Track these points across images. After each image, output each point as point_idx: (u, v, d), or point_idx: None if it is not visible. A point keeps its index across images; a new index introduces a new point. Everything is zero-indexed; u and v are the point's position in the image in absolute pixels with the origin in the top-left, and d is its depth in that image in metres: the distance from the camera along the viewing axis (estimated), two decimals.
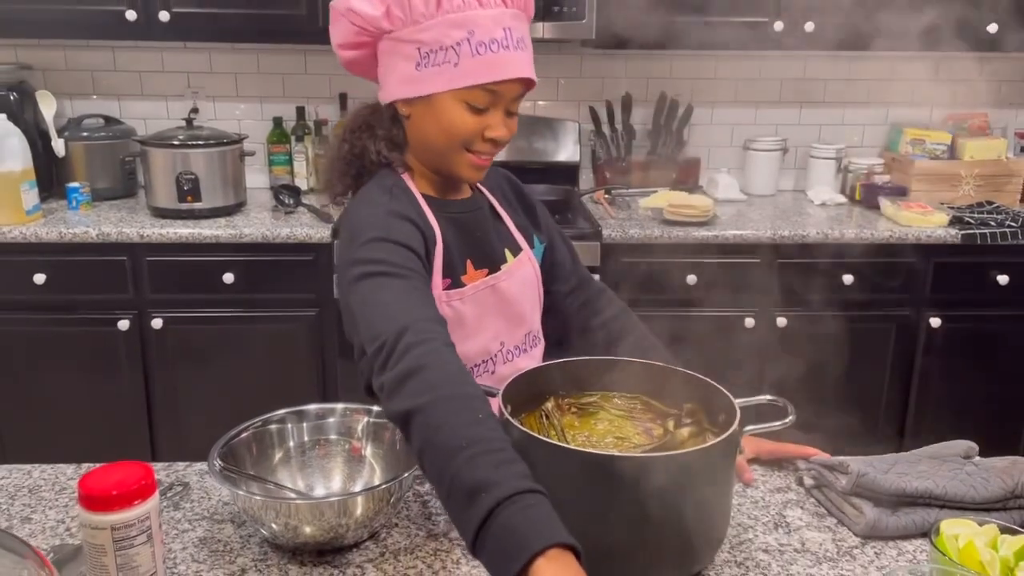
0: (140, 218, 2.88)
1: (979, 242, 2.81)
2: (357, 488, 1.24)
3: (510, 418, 1.05)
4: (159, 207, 2.90)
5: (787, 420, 1.08)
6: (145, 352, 2.85)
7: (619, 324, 1.53)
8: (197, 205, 2.87)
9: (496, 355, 1.39)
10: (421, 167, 1.36)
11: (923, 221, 2.86)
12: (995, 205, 3.03)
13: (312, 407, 1.26)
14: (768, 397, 1.14)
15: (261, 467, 1.20)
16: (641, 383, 1.23)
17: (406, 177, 1.34)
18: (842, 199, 3.22)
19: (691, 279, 2.79)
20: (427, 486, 1.30)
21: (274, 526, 1.08)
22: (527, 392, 1.20)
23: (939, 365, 2.94)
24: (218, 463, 1.12)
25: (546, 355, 1.51)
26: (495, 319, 1.37)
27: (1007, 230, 2.82)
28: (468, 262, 1.35)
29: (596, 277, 1.67)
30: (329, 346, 2.86)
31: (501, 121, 1.26)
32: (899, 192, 3.14)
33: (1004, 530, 1.03)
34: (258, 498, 1.08)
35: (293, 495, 1.20)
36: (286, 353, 2.87)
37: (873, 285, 2.86)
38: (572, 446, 1.00)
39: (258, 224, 2.82)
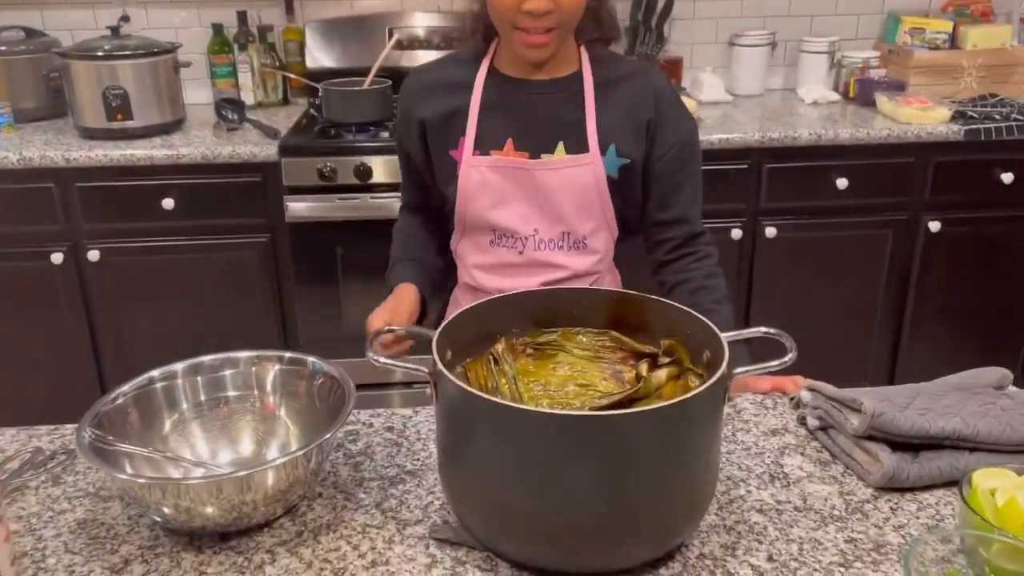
0: (67, 140, 2.61)
1: (983, 138, 2.59)
2: (272, 453, 1.03)
3: (444, 369, 0.84)
4: (87, 127, 2.63)
5: (787, 359, 0.87)
6: (84, 288, 2.63)
7: (690, 292, 1.43)
8: (129, 124, 2.61)
9: (527, 239, 1.39)
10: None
11: (923, 117, 2.65)
12: (1000, 97, 2.80)
13: (207, 358, 1.05)
14: (763, 329, 0.94)
15: (149, 436, 0.99)
16: (609, 316, 1.02)
17: (493, 48, 1.41)
18: (835, 97, 2.99)
19: None
20: (360, 444, 1.10)
21: (165, 509, 0.88)
22: (474, 331, 0.99)
23: (938, 272, 2.77)
24: (89, 434, 0.91)
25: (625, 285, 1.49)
26: (526, 203, 1.38)
27: (1013, 124, 2.61)
28: (509, 141, 1.37)
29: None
30: (286, 274, 2.64)
31: None
32: (897, 87, 2.91)
33: None
34: (140, 479, 0.88)
35: (194, 468, 0.99)
36: (240, 284, 2.65)
37: (869, 189, 2.66)
38: (514, 403, 0.80)
39: (198, 143, 2.57)
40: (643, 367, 0.94)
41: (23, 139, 2.63)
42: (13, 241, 2.55)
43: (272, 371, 1.05)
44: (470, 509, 0.88)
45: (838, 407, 1.06)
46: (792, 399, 1.17)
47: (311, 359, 1.05)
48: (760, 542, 0.92)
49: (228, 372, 1.04)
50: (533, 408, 0.79)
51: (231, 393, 1.04)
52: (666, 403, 0.79)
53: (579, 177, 1.36)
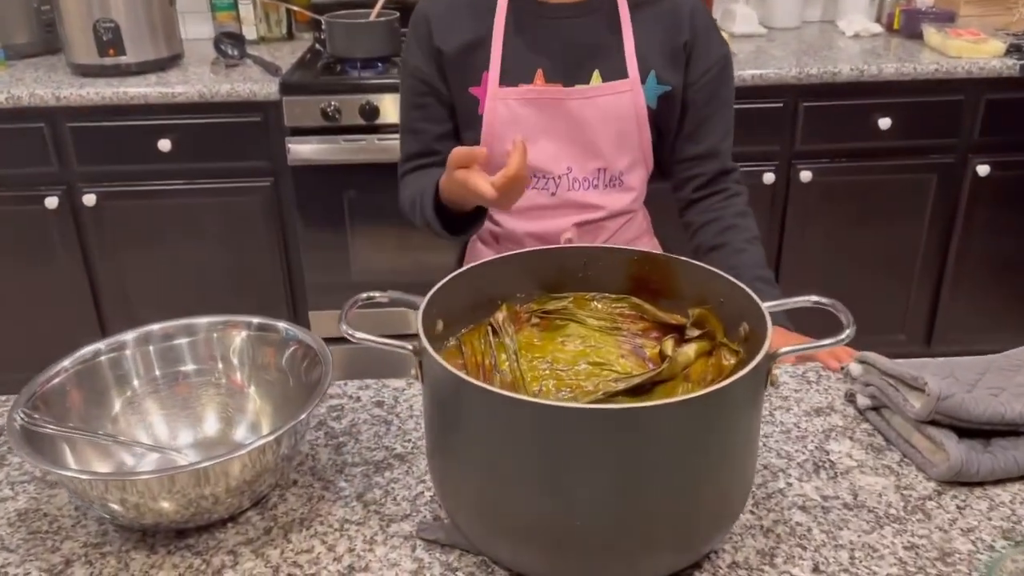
0: (58, 78, 2.47)
1: None
2: (240, 434, 0.91)
3: (429, 347, 0.70)
4: (78, 64, 2.48)
5: (843, 336, 0.72)
6: (80, 233, 2.52)
7: (719, 232, 1.32)
8: (122, 59, 2.46)
9: (560, 178, 1.29)
10: None
11: (975, 51, 2.46)
12: None
13: (156, 327, 0.91)
14: (813, 298, 0.78)
15: (97, 417, 0.86)
16: (630, 279, 0.87)
17: None
18: (878, 29, 2.81)
19: None
20: (344, 421, 0.97)
21: (111, 505, 0.76)
22: (471, 297, 0.85)
23: (984, 220, 2.59)
24: (20, 417, 0.78)
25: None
26: (559, 139, 1.27)
27: None
28: (539, 72, 1.25)
29: None
30: (290, 219, 2.51)
31: None
32: (946, 18, 2.72)
33: None
34: (76, 473, 0.75)
35: (149, 453, 0.87)
36: (243, 230, 2.52)
37: (914, 129, 2.48)
38: (511, 393, 0.66)
39: (194, 80, 2.41)
40: (668, 343, 0.80)
41: (14, 77, 2.49)
42: (5, 184, 2.43)
43: (237, 340, 0.92)
44: (461, 509, 0.75)
45: (895, 384, 0.91)
46: (842, 369, 1.03)
47: (282, 325, 0.91)
48: (804, 547, 0.78)
49: (185, 341, 0.91)
50: (534, 399, 0.65)
51: (190, 366, 0.91)
52: (695, 394, 0.65)
53: (618, 106, 1.25)
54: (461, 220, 1.23)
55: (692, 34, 1.27)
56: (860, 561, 0.77)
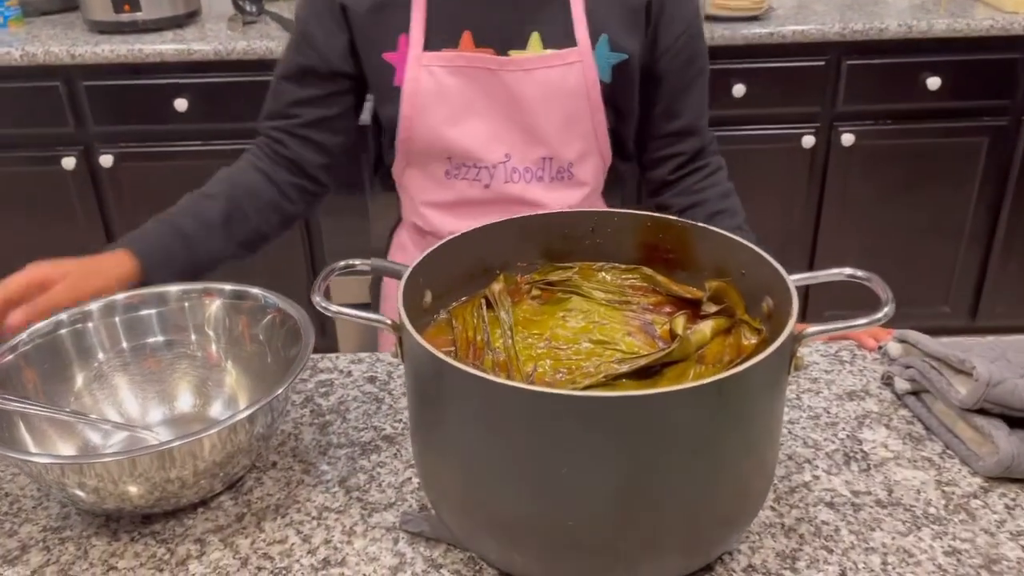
0: (74, 35, 2.42)
1: None
2: (215, 410, 0.84)
3: (408, 324, 0.62)
4: (94, 20, 2.43)
5: (879, 315, 0.63)
6: (99, 195, 2.48)
7: (705, 220, 1.11)
8: (138, 16, 2.39)
9: (496, 167, 1.09)
10: None
11: None
12: None
13: (121, 297, 0.84)
14: (847, 271, 0.69)
15: (59, 393, 0.80)
16: (642, 247, 0.78)
17: None
18: None
19: (738, 89, 2.28)
20: (333, 398, 0.90)
21: (70, 490, 0.70)
22: (465, 265, 0.77)
23: None
24: None
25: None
26: (495, 118, 1.08)
27: None
28: (466, 34, 1.05)
29: None
30: None
31: None
32: None
33: None
34: (33, 459, 0.69)
35: (115, 432, 0.81)
36: None
37: (964, 90, 2.34)
38: (496, 378, 0.58)
39: (211, 38, 2.35)
40: (679, 320, 0.71)
41: (30, 34, 2.45)
42: (22, 143, 2.40)
43: (211, 309, 0.85)
44: (445, 501, 0.68)
45: (938, 367, 0.82)
46: (879, 349, 0.93)
47: (260, 292, 0.84)
48: (830, 551, 0.70)
49: (154, 311, 0.84)
50: (522, 385, 0.57)
51: (160, 338, 0.84)
52: (709, 380, 0.56)
53: (564, 80, 1.05)
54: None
55: None
56: (893, 567, 0.68)
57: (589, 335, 0.72)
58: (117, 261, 0.95)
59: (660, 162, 1.17)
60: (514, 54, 1.04)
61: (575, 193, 1.12)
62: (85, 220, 2.49)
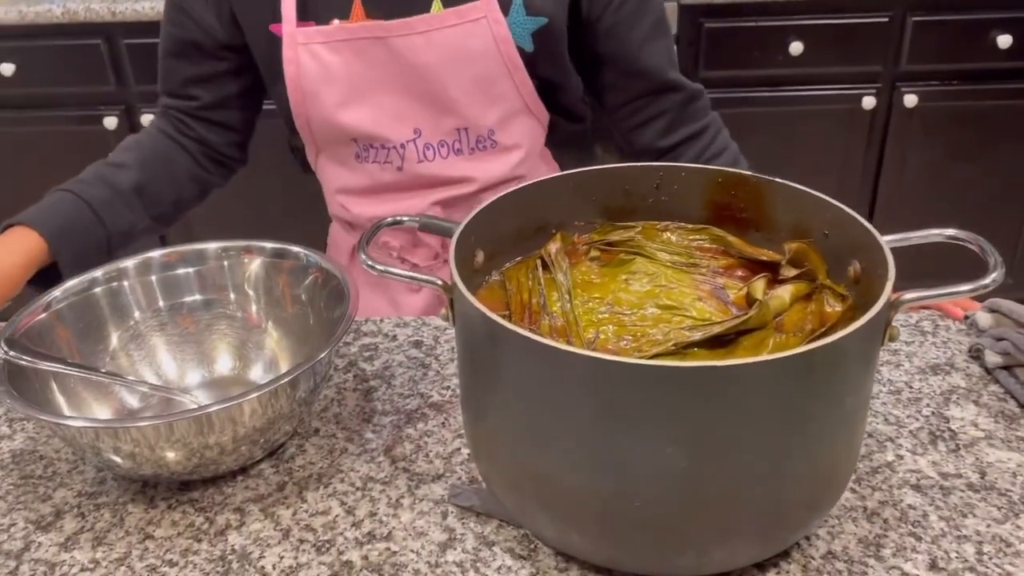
0: None
1: None
2: (255, 374, 0.80)
3: (461, 284, 0.57)
4: None
5: (987, 280, 0.57)
6: None
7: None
8: None
9: (405, 146, 0.98)
10: None
11: None
12: None
13: (157, 253, 0.80)
14: (948, 232, 0.63)
15: (92, 354, 0.76)
16: (712, 205, 0.72)
17: None
18: None
19: (795, 47, 2.17)
20: (378, 363, 0.86)
21: (105, 455, 0.66)
22: (518, 224, 0.71)
23: None
24: (3, 351, 0.68)
25: None
26: (396, 92, 0.96)
27: None
28: (357, 3, 0.94)
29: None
30: None
31: None
32: None
33: None
34: (56, 419, 0.66)
35: (152, 394, 0.77)
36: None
37: None
38: (554, 343, 0.53)
39: None
40: (757, 285, 0.65)
41: None
42: (64, 103, 2.39)
43: (251, 268, 0.80)
44: (497, 475, 0.63)
45: None
46: (966, 319, 0.86)
47: (302, 250, 0.80)
48: (918, 538, 0.64)
49: (192, 269, 0.80)
50: (585, 351, 0.51)
51: (198, 297, 0.80)
52: (794, 351, 0.50)
53: (468, 40, 0.93)
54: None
55: None
56: (990, 557, 0.62)
57: (655, 300, 0.66)
58: (17, 240, 0.85)
59: (641, 129, 1.04)
60: (406, 19, 0.92)
61: (503, 160, 1.01)
62: None
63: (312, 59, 0.94)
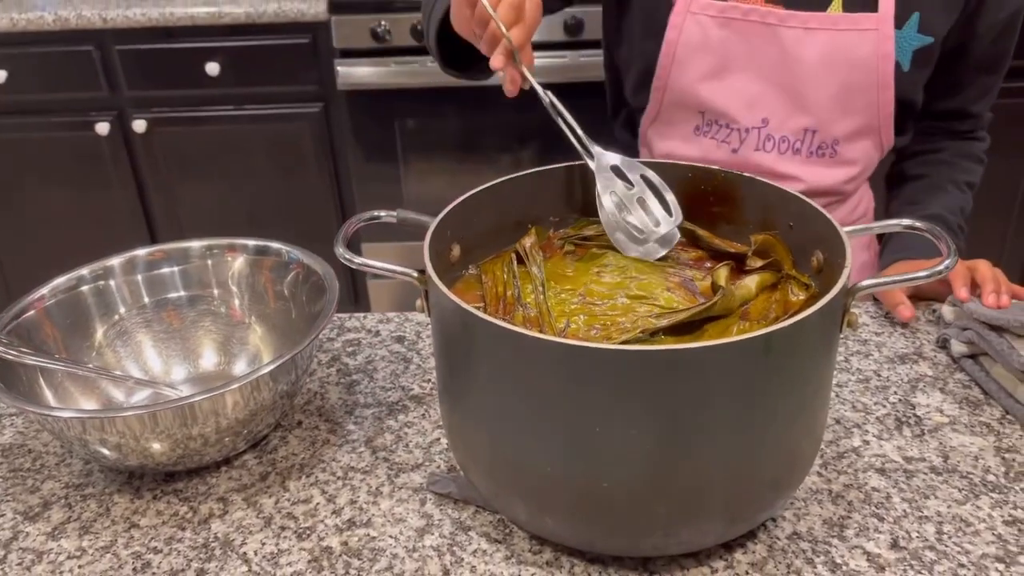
0: None
1: None
2: (238, 369, 0.82)
3: (434, 276, 0.59)
4: None
5: (940, 267, 0.59)
6: (133, 160, 2.48)
7: (926, 163, 1.07)
8: None
9: (749, 131, 0.99)
10: None
11: None
12: None
13: (143, 252, 0.82)
14: (905, 222, 0.65)
15: (79, 350, 0.78)
16: (683, 199, 0.74)
17: None
18: None
19: None
20: (360, 357, 0.88)
21: (94, 446, 0.68)
22: (494, 219, 0.73)
23: None
24: None
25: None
26: (760, 78, 0.97)
27: None
28: None
29: None
30: (341, 146, 2.42)
31: None
32: None
33: None
34: (55, 413, 0.67)
35: (138, 389, 0.79)
36: (293, 157, 2.44)
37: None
38: (526, 331, 0.55)
39: (242, 1, 2.32)
40: (721, 272, 0.67)
41: None
42: (56, 109, 2.40)
43: (234, 265, 0.82)
44: (473, 462, 0.65)
45: (997, 331, 0.77)
46: (934, 312, 0.88)
47: (283, 247, 0.81)
48: (881, 519, 0.66)
49: (176, 268, 0.82)
50: (555, 338, 0.53)
51: (182, 293, 0.82)
52: (754, 334, 0.52)
53: (853, 48, 0.93)
54: (465, 55, 0.90)
55: None
56: (949, 536, 0.64)
57: (625, 290, 0.68)
58: None
59: (916, 135, 1.08)
60: (806, 13, 0.93)
61: (837, 173, 1.01)
62: (119, 185, 2.49)
63: (697, 28, 0.96)
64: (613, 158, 0.72)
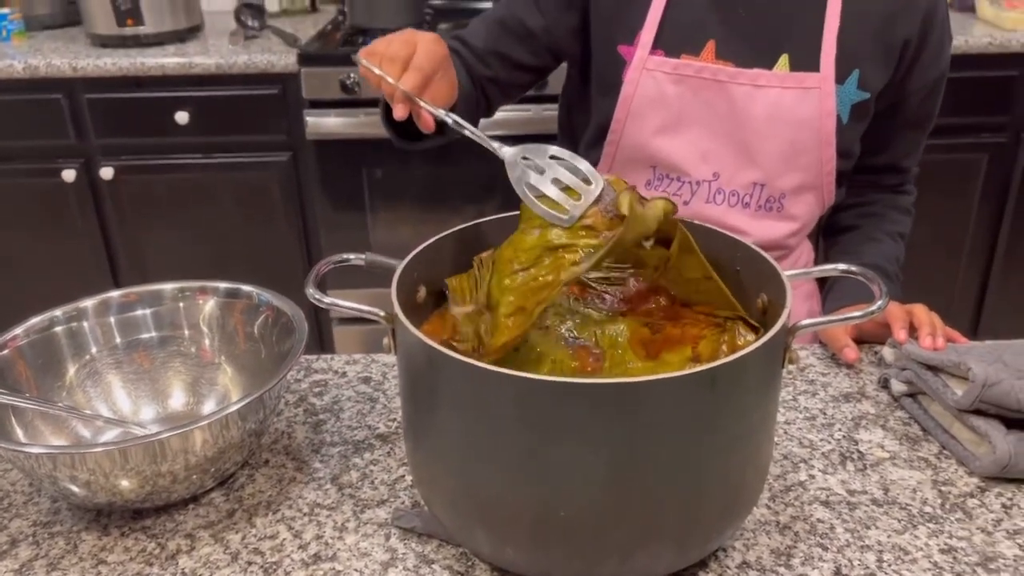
0: (76, 48, 2.43)
1: None
2: (207, 408, 0.84)
3: (400, 313, 0.62)
4: (97, 34, 2.44)
5: (874, 308, 0.63)
6: (99, 207, 2.48)
7: (860, 215, 1.14)
8: (141, 30, 2.41)
9: (700, 184, 1.03)
10: None
11: None
12: None
13: (116, 294, 0.84)
14: (841, 267, 0.69)
15: (50, 389, 0.80)
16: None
17: None
18: None
19: None
20: (327, 398, 0.90)
21: (63, 483, 0.69)
22: (461, 261, 0.77)
23: None
24: None
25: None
26: (711, 134, 1.02)
27: None
28: (710, 44, 1.00)
29: None
30: (308, 195, 2.45)
31: None
32: None
33: None
34: (26, 450, 0.69)
35: (108, 428, 0.80)
36: (261, 206, 2.47)
37: (963, 106, 2.33)
38: (485, 365, 0.57)
39: (212, 52, 2.36)
40: (624, 199, 0.66)
41: (33, 47, 2.46)
42: (23, 156, 2.41)
43: (205, 308, 0.85)
44: (436, 495, 0.68)
45: (934, 371, 0.82)
46: (876, 354, 0.93)
47: (253, 290, 0.84)
48: (825, 548, 0.69)
49: (149, 310, 0.84)
50: (513, 372, 0.56)
51: (154, 334, 0.84)
52: (701, 368, 0.56)
53: (797, 106, 0.98)
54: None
55: (923, 32, 0.99)
56: (889, 564, 0.67)
57: (547, 244, 0.68)
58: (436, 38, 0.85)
59: (849, 189, 1.13)
60: (749, 70, 0.99)
61: (781, 227, 1.06)
62: (85, 232, 2.49)
63: (653, 85, 1.00)
64: (517, 150, 0.73)
